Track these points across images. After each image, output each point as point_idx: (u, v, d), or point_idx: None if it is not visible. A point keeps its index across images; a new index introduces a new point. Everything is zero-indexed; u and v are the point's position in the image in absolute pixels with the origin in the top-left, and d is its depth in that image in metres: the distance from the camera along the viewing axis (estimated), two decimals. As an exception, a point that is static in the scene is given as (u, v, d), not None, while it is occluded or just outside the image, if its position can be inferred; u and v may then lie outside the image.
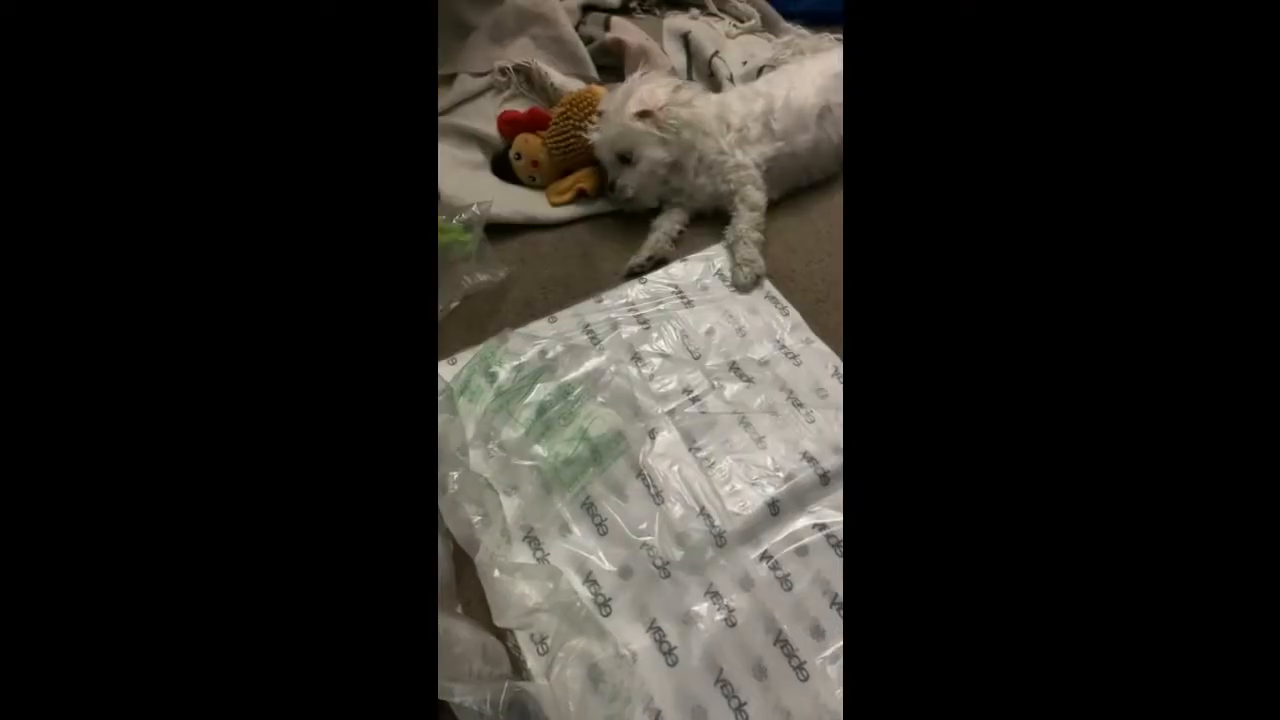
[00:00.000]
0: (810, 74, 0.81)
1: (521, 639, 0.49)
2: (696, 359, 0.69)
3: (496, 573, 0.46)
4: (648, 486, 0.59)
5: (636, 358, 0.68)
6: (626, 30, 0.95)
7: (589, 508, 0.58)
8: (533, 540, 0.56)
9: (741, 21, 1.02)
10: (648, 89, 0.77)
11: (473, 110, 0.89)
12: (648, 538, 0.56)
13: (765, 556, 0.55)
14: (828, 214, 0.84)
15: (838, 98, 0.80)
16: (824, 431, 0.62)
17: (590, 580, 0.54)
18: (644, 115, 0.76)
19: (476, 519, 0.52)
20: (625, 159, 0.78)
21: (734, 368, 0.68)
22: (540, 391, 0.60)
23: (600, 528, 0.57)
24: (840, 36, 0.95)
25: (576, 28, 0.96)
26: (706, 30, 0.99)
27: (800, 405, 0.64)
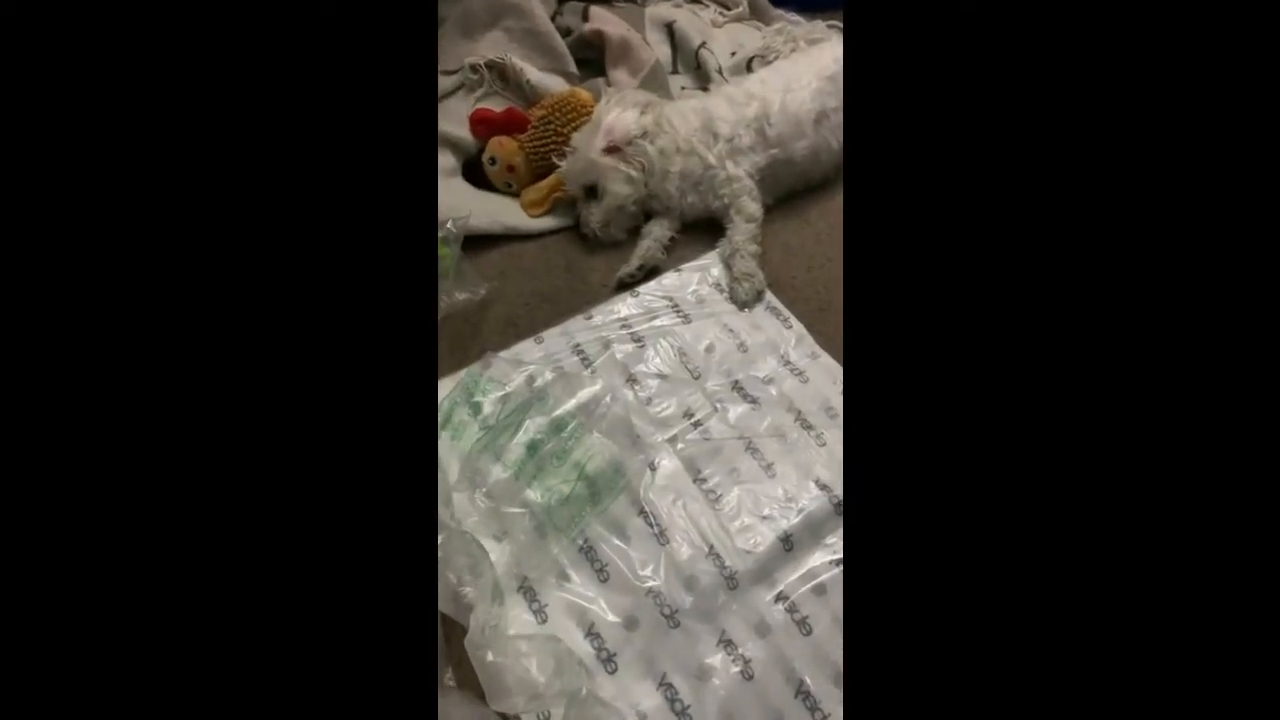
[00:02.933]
0: (806, 75, 0.76)
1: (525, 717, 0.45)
2: (696, 379, 0.64)
3: (490, 655, 0.42)
4: (650, 525, 0.54)
5: (632, 380, 0.63)
6: (606, 21, 0.89)
7: (588, 552, 0.53)
8: (528, 591, 0.52)
9: (728, 9, 0.97)
10: (614, 118, 0.72)
11: (442, 111, 0.83)
12: (653, 582, 0.51)
13: (781, 597, 0.51)
14: (826, 214, 0.79)
15: (836, 101, 0.75)
16: (836, 455, 0.58)
17: (592, 634, 0.50)
18: (611, 150, 0.72)
19: (467, 589, 0.47)
20: (592, 192, 0.74)
21: (737, 387, 0.63)
22: (530, 429, 0.54)
23: (601, 574, 0.52)
24: (835, 24, 0.90)
25: (553, 19, 0.90)
26: (691, 19, 0.93)
27: (809, 427, 0.60)
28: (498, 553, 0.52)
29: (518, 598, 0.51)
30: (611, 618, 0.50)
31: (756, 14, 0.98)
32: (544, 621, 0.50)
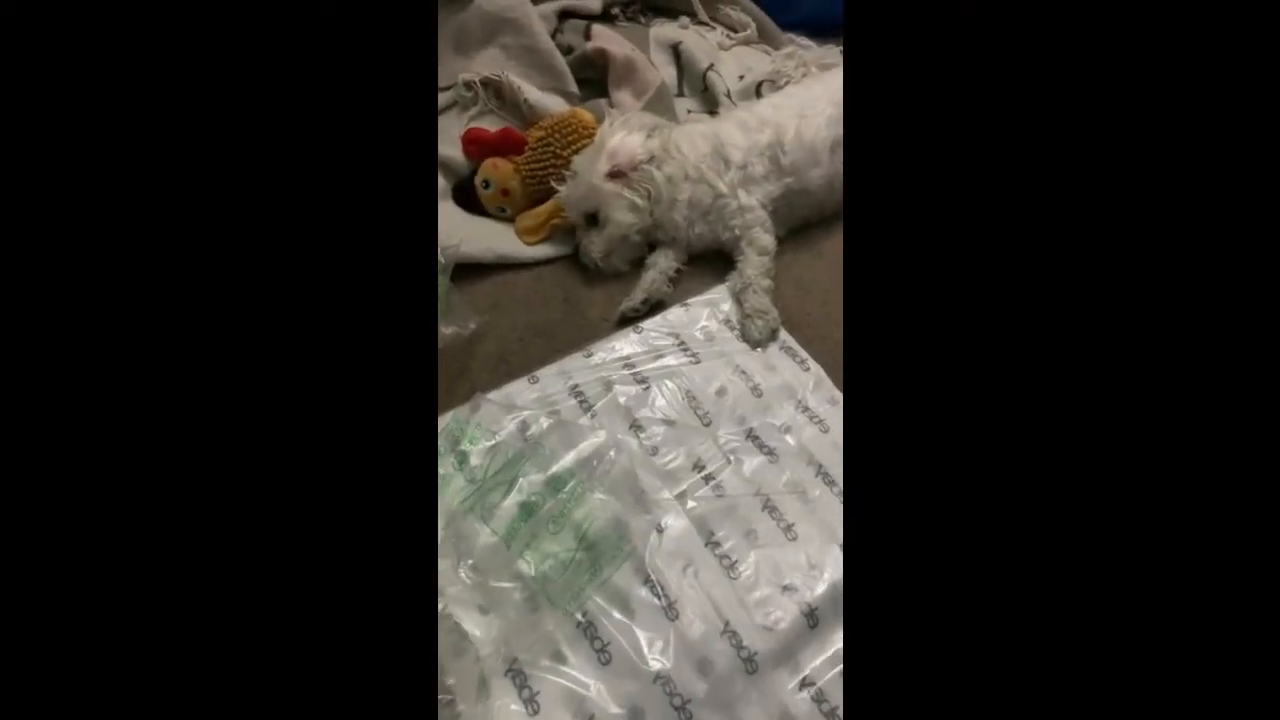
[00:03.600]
0: (821, 101, 0.71)
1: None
2: (707, 425, 0.58)
3: None
4: (658, 596, 0.48)
5: (636, 426, 0.57)
6: (610, 40, 0.85)
7: (587, 628, 0.46)
8: (517, 675, 0.45)
9: (735, 31, 0.93)
10: (619, 140, 0.68)
11: (434, 129, 0.77)
12: (661, 665, 0.45)
13: (806, 684, 0.45)
14: (841, 248, 0.75)
15: None
16: (862, 515, 0.52)
17: (592, 728, 0.43)
18: (615, 175, 0.67)
19: (448, 679, 0.40)
20: (593, 220, 0.69)
21: (751, 436, 0.58)
22: (525, 488, 0.48)
23: (602, 655, 0.46)
24: (847, 49, 0.87)
25: (553, 36, 0.86)
26: (698, 40, 0.90)
27: (832, 483, 0.55)
28: (484, 628, 0.46)
29: (505, 683, 0.45)
30: (614, 709, 0.44)
31: (765, 37, 0.94)
32: (535, 713, 0.44)
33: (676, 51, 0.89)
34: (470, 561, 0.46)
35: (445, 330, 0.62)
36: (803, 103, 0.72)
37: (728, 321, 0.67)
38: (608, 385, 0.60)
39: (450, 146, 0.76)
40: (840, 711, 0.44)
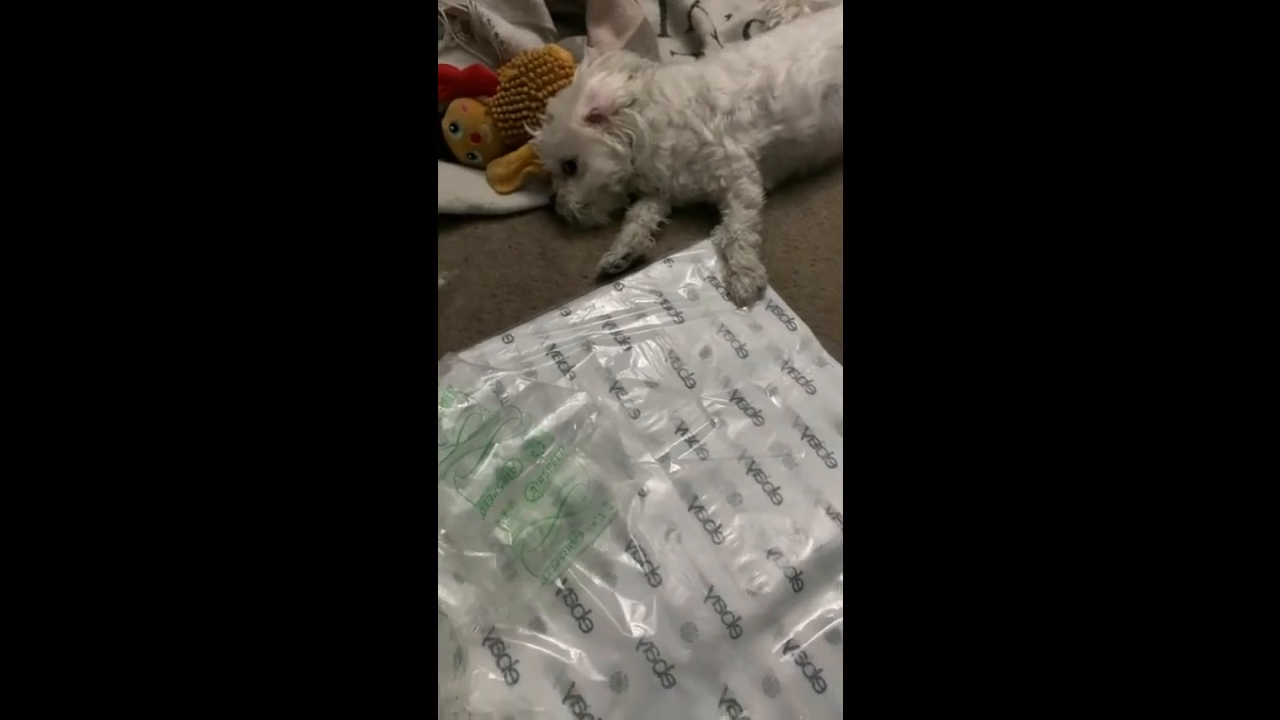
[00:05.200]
0: (815, 44, 0.67)
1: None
2: (691, 388, 0.56)
3: None
4: (640, 562, 0.47)
5: (617, 388, 0.55)
6: (588, -30, 0.78)
7: (567, 596, 0.45)
8: (495, 644, 0.44)
9: (722, -34, 0.87)
10: (598, 81, 0.63)
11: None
12: (644, 632, 0.44)
13: (790, 647, 0.44)
14: (831, 203, 0.71)
15: None
16: (848, 477, 0.51)
17: (573, 696, 0.42)
18: (594, 119, 0.62)
19: None
20: (570, 167, 0.64)
21: (736, 398, 0.56)
22: (501, 452, 0.46)
23: (583, 622, 0.44)
24: (842, -12, 0.82)
25: (526, -35, 0.78)
26: (683, -25, 0.83)
27: (818, 445, 0.53)
28: (459, 597, 0.44)
29: (483, 652, 0.43)
30: (595, 676, 0.43)
31: (754, -27, 0.88)
32: (514, 681, 0.43)
33: (660, -14, 0.83)
34: (443, 531, 0.43)
35: (413, 286, 0.58)
36: (795, 44, 0.68)
37: (713, 278, 0.64)
38: (587, 345, 0.58)
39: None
40: (824, 674, 0.44)
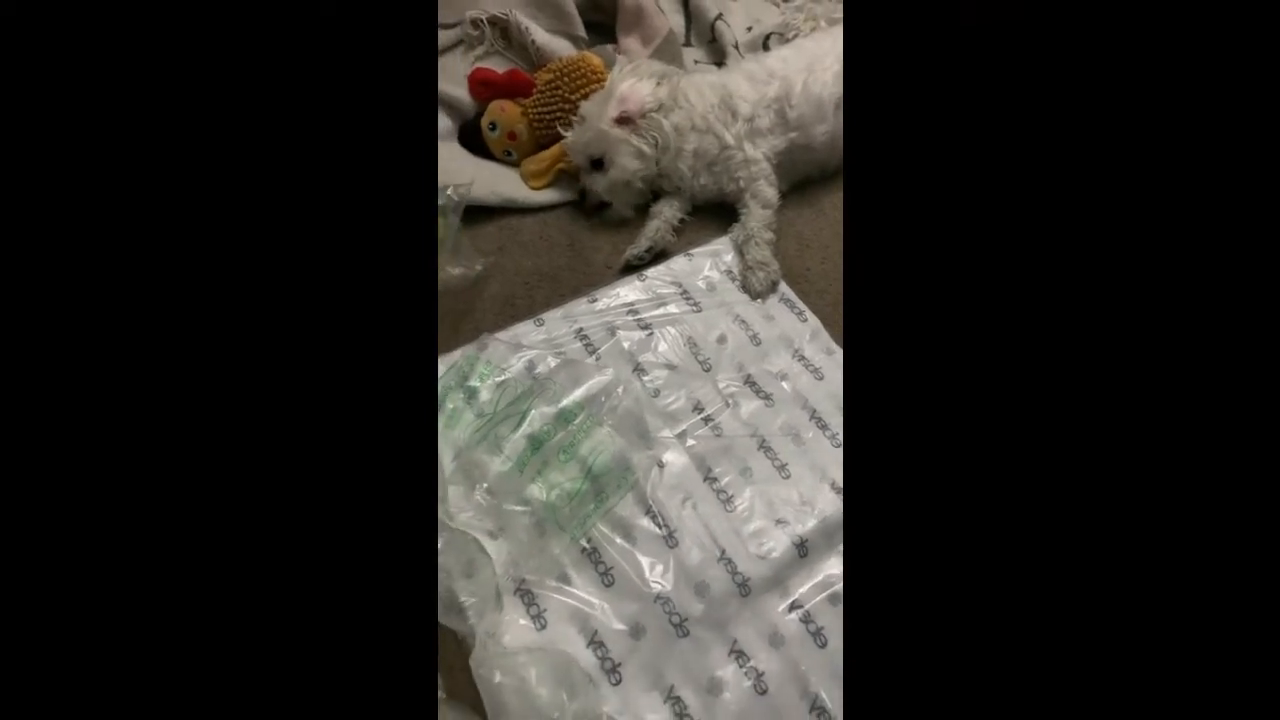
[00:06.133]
0: (830, 57, 0.71)
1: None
2: (707, 371, 0.60)
3: (498, 676, 0.38)
4: (659, 526, 0.51)
5: (639, 369, 0.59)
6: (619, -17, 0.83)
7: (592, 554, 0.49)
8: (525, 594, 0.48)
9: (744, -19, 0.92)
10: (628, 86, 0.67)
11: (438, 67, 0.76)
12: (661, 587, 0.48)
13: (795, 606, 0.48)
14: (841, 206, 0.76)
15: None
16: (852, 457, 0.55)
17: (596, 642, 0.46)
18: (623, 121, 0.67)
19: (464, 596, 0.42)
20: (598, 164, 0.69)
21: (749, 382, 0.60)
22: (535, 419, 0.50)
23: (605, 577, 0.49)
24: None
25: (560, -23, 0.83)
26: (707, -12, 0.88)
27: (825, 426, 0.57)
28: (494, 550, 0.48)
29: (515, 601, 0.47)
30: (617, 625, 0.47)
31: (774, -11, 0.93)
32: (543, 628, 0.47)
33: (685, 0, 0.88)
34: (485, 485, 0.48)
35: (453, 271, 0.63)
36: (811, 57, 0.72)
37: (729, 272, 0.68)
38: (611, 330, 0.62)
39: (456, 86, 0.75)
40: (825, 631, 0.47)
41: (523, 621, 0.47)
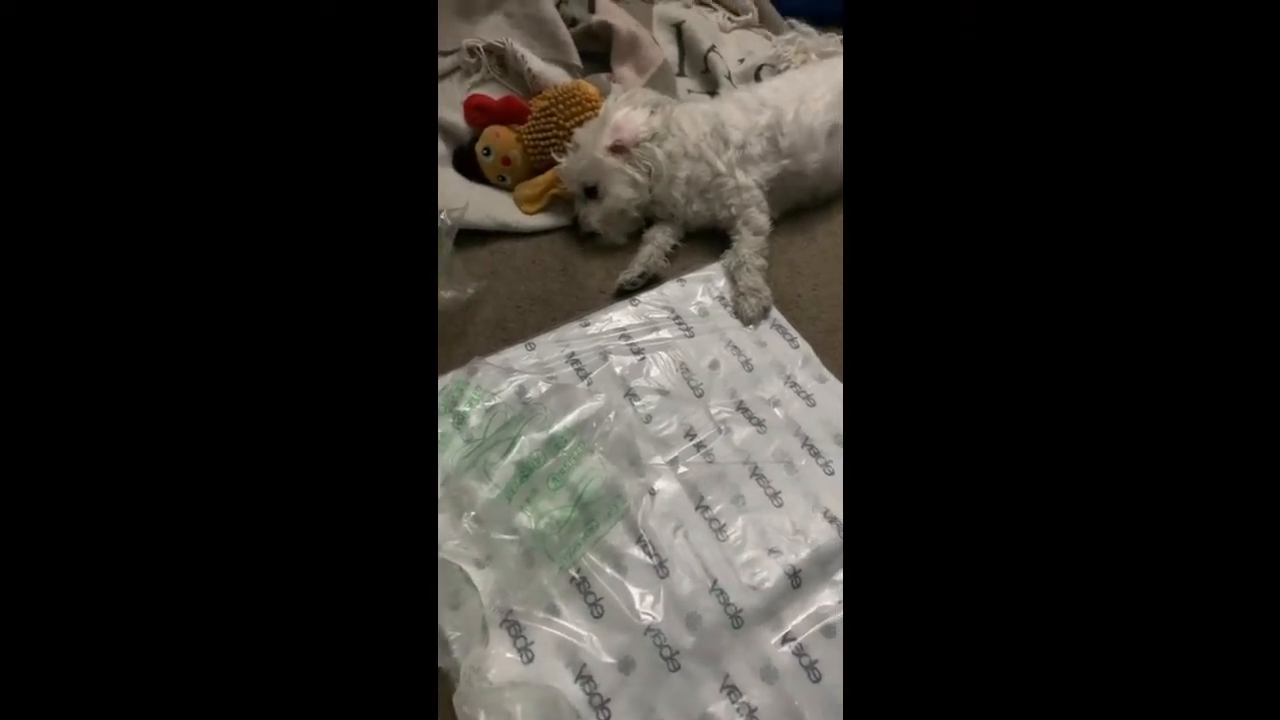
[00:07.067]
0: (821, 87, 0.73)
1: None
2: (699, 397, 0.60)
3: (484, 716, 0.36)
4: (649, 555, 0.50)
5: (631, 394, 0.59)
6: (615, 14, 0.85)
7: (581, 584, 0.48)
8: (512, 626, 0.47)
9: (737, 15, 0.94)
10: (623, 115, 0.68)
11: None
12: (651, 619, 0.47)
13: (788, 639, 0.47)
14: (833, 232, 0.77)
15: None
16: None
17: (584, 676, 0.45)
18: (617, 149, 0.68)
19: (454, 632, 0.41)
20: (591, 192, 0.70)
21: (742, 408, 0.60)
22: (525, 446, 0.50)
23: (594, 608, 0.48)
24: (847, 38, 0.89)
25: (557, 7, 0.85)
26: (701, 21, 0.90)
27: (817, 454, 0.57)
28: (481, 579, 0.47)
29: (501, 633, 0.46)
30: (605, 658, 0.46)
31: (766, 22, 0.95)
32: (530, 661, 0.45)
33: (679, 30, 0.90)
34: (473, 514, 0.47)
35: (445, 294, 0.63)
36: (803, 87, 0.74)
37: (722, 298, 0.68)
38: (604, 354, 0.62)
39: (452, 111, 0.76)
40: (819, 665, 0.47)
41: (509, 654, 0.46)
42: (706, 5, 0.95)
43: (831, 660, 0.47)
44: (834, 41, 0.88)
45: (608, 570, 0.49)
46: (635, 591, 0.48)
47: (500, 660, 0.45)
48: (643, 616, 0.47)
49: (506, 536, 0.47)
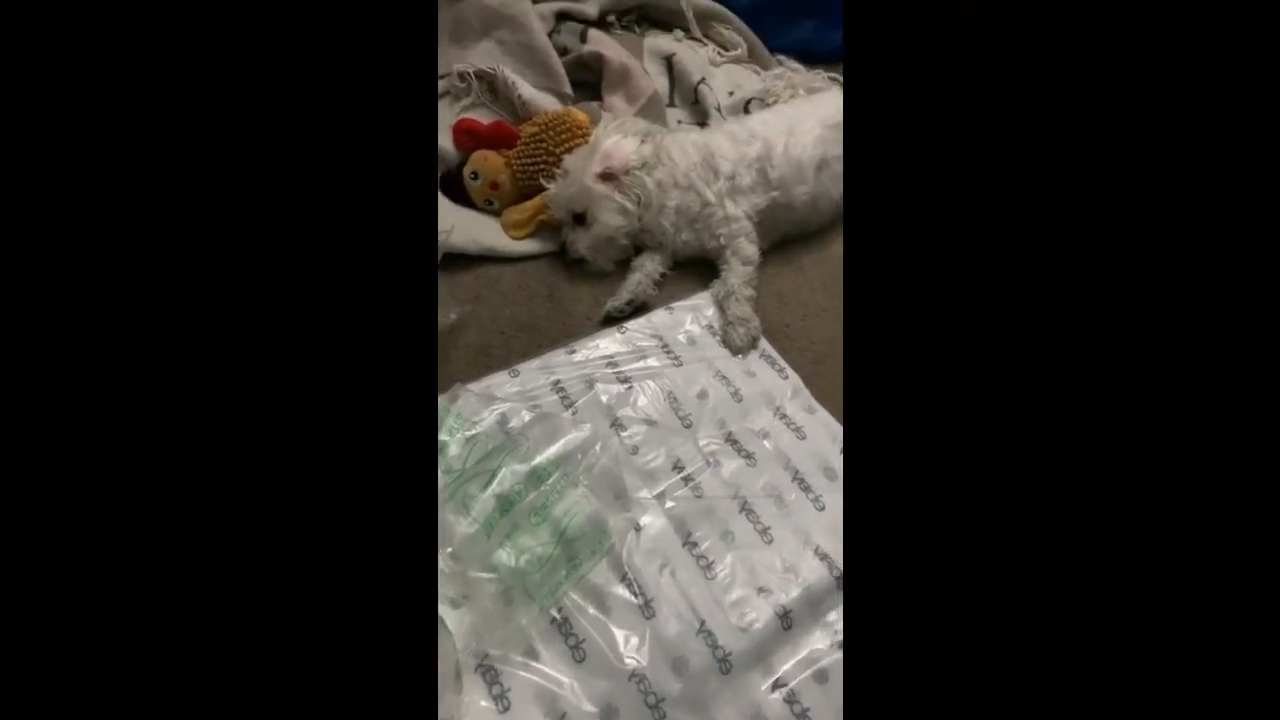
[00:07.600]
0: (809, 121, 0.74)
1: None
2: (688, 428, 0.59)
3: None
4: (634, 594, 0.48)
5: (617, 424, 0.57)
6: (607, 45, 0.86)
7: (562, 625, 0.46)
8: (487, 671, 0.44)
9: (727, 50, 0.96)
10: (613, 143, 0.69)
11: (424, 117, 0.76)
12: (636, 663, 0.45)
13: (778, 685, 0.45)
14: (820, 263, 0.77)
15: (837, 150, 0.73)
16: (835, 520, 0.53)
17: (563, 726, 0.42)
18: (607, 177, 0.68)
19: None
20: (580, 219, 0.69)
21: (731, 440, 0.58)
22: (506, 478, 0.47)
23: (576, 651, 0.45)
24: (835, 76, 0.90)
25: (549, 35, 0.86)
26: (691, 54, 0.92)
27: (807, 488, 0.56)
28: (455, 620, 0.45)
29: (475, 679, 0.43)
30: (587, 707, 0.43)
31: (755, 58, 0.97)
32: (505, 710, 0.43)
33: (669, 63, 0.91)
34: (449, 550, 0.44)
35: (427, 318, 0.61)
36: (792, 120, 0.75)
37: (710, 327, 0.67)
38: (590, 383, 0.60)
39: (441, 135, 0.75)
40: (810, 713, 0.44)
41: (484, 703, 0.43)
42: (697, 40, 0.97)
43: (823, 707, 0.44)
44: (821, 78, 0.89)
45: (591, 610, 0.46)
46: (619, 633, 0.46)
47: (474, 709, 0.42)
48: (627, 660, 0.45)
49: (484, 574, 0.44)
